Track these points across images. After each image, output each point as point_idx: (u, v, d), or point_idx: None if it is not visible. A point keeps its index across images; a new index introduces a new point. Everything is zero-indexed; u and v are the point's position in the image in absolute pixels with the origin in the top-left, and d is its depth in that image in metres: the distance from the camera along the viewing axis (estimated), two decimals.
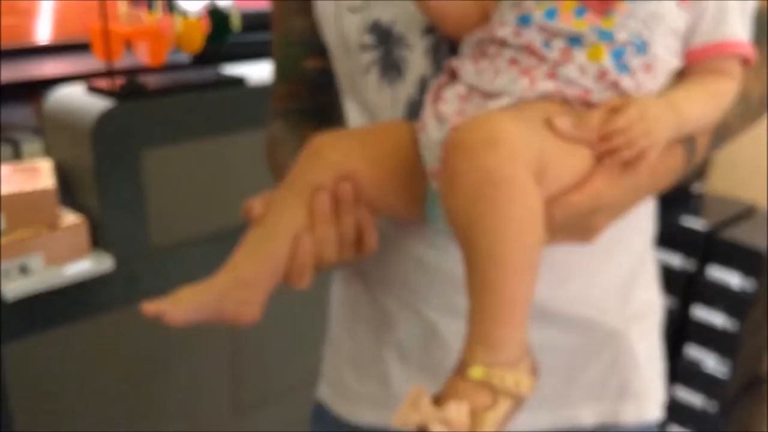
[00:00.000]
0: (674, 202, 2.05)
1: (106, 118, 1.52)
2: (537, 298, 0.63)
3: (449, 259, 0.71)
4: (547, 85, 0.57)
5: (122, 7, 1.67)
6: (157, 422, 1.71)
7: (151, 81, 1.66)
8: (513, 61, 0.59)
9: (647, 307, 0.81)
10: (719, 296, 2.01)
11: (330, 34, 0.74)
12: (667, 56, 0.59)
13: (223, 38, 1.75)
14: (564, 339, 0.75)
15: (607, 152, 0.57)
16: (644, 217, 0.80)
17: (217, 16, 1.72)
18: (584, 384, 0.77)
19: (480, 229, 0.52)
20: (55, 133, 1.65)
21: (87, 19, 1.56)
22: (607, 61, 0.56)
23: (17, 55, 2.32)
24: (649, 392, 0.80)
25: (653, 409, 0.80)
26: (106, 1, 1.50)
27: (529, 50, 0.58)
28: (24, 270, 1.44)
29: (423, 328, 0.76)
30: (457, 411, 0.50)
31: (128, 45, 1.59)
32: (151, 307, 0.58)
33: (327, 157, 0.62)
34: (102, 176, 1.54)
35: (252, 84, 1.82)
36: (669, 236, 1.99)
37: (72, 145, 1.59)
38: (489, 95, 0.59)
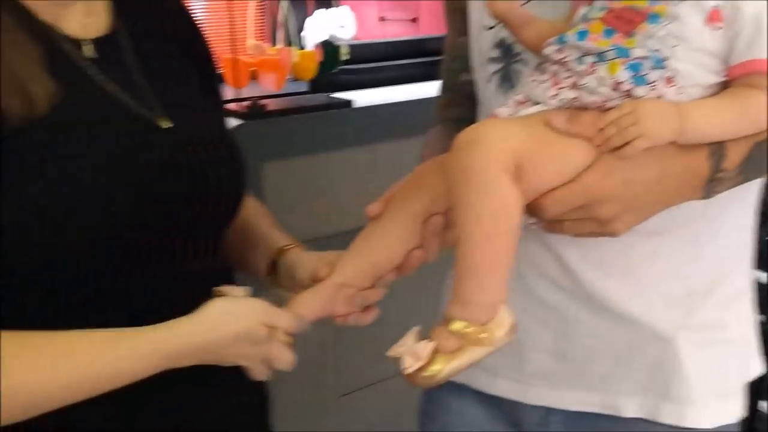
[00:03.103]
0: None
1: (233, 136, 1.77)
2: (597, 287, 0.74)
3: None
4: (568, 94, 0.67)
5: (250, 41, 1.95)
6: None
7: (271, 104, 1.91)
8: (553, 74, 0.69)
9: (715, 325, 0.81)
10: None
11: (472, 48, 0.88)
12: (694, 72, 0.63)
13: (334, 67, 1.96)
14: (612, 330, 0.80)
15: (600, 143, 0.64)
16: (724, 239, 0.80)
17: (328, 48, 1.93)
18: (629, 376, 0.80)
19: (458, 212, 0.63)
20: None
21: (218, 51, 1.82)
22: (621, 73, 0.64)
23: None
24: (696, 403, 0.79)
25: (700, 419, 0.80)
26: (236, 36, 1.77)
27: (565, 65, 0.68)
28: None
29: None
30: (424, 348, 0.62)
31: (253, 74, 1.85)
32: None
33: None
34: None
35: (358, 106, 2.04)
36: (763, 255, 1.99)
37: None
38: (533, 103, 0.69)
